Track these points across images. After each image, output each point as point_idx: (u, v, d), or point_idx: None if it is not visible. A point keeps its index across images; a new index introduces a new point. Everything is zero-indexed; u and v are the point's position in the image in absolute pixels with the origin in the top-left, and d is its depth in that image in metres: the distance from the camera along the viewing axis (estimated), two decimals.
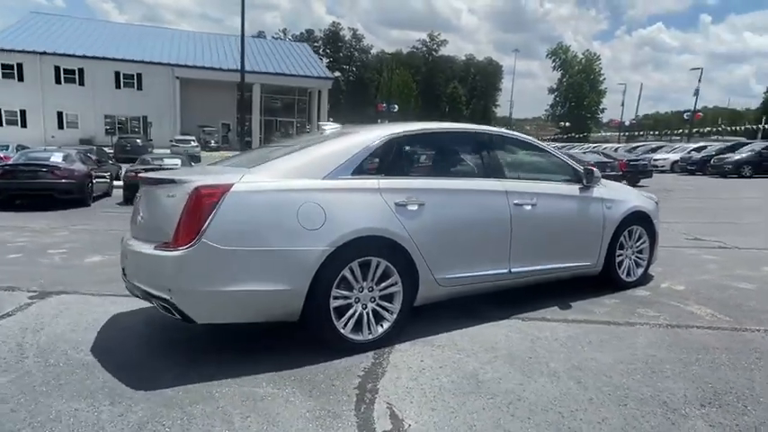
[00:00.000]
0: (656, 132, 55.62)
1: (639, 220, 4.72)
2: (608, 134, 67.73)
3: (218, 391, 2.70)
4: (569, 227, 4.23)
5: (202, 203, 2.79)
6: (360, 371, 2.96)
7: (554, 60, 69.64)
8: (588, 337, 3.51)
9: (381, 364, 3.06)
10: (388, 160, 3.47)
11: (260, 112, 38.84)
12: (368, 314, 3.23)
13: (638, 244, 4.76)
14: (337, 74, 71.67)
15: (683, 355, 3.20)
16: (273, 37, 63.28)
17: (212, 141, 37.04)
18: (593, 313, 4.01)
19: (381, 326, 3.27)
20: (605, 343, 3.40)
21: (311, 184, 3.10)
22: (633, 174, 18.09)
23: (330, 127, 3.97)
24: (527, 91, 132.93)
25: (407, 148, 3.59)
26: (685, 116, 47.88)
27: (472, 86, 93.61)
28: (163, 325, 3.79)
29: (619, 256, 4.60)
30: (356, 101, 79.10)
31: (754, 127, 52.22)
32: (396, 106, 48.14)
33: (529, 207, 3.90)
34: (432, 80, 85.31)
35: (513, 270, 3.87)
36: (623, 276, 4.66)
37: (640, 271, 4.80)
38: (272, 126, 41.52)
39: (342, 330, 3.13)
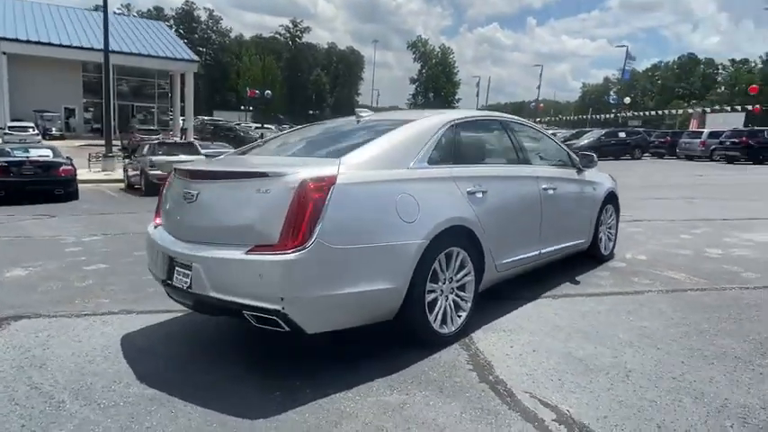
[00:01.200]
0: None
1: (612, 199, 5.26)
2: None
3: (348, 406, 2.44)
4: (575, 208, 4.57)
5: (312, 199, 2.47)
6: (465, 363, 2.89)
7: (414, 52, 72.95)
8: (620, 307, 3.84)
9: (477, 354, 3.02)
10: (452, 148, 3.40)
11: (114, 96, 34.49)
12: (449, 306, 3.16)
13: (610, 221, 5.30)
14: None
15: (705, 314, 3.67)
16: (115, 12, 56.35)
17: (53, 129, 32.13)
18: (601, 286, 4.38)
19: (459, 317, 3.22)
20: (638, 311, 3.75)
21: (403, 174, 2.94)
22: None
23: (367, 114, 3.73)
24: (387, 80, 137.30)
25: (464, 134, 3.54)
26: (531, 106, 53.84)
27: (335, 75, 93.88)
28: (199, 341, 3.31)
29: (599, 233, 5.08)
30: (216, 86, 74.47)
31: (576, 117, 60.44)
32: (269, 92, 46.30)
33: (551, 191, 4.12)
34: (296, 67, 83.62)
35: (542, 251, 4.07)
36: (603, 251, 5.16)
37: (611, 245, 5.36)
38: (128, 112, 37.21)
39: (433, 325, 3.02)
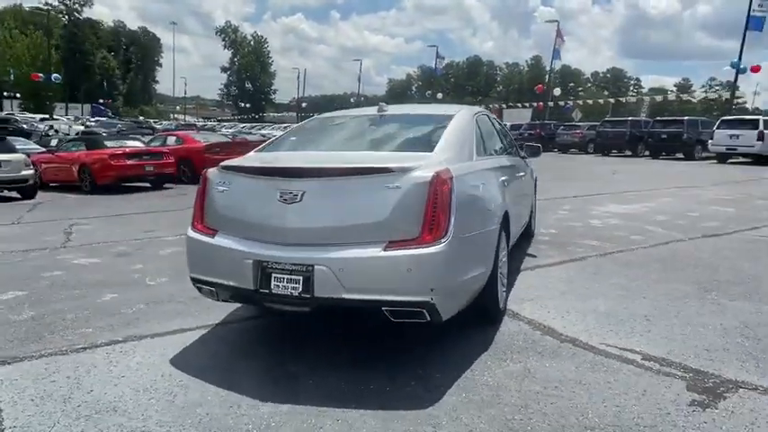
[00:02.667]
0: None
1: (535, 183, 6.20)
2: (285, 114, 72.45)
3: (491, 380, 2.67)
4: (529, 192, 5.33)
5: (447, 192, 2.59)
6: (534, 330, 3.31)
7: (224, 39, 69.25)
8: (583, 271, 4.67)
9: (532, 322, 3.46)
10: (481, 141, 3.73)
11: None
12: (501, 284, 3.53)
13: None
14: None
15: (643, 270, 4.70)
16: None
17: None
18: (553, 257, 5.21)
19: (503, 293, 3.62)
20: (598, 273, 4.62)
21: (476, 165, 3.19)
22: None
23: (389, 108, 3.82)
24: (188, 68, 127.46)
25: (482, 128, 3.86)
26: (351, 100, 56.18)
27: (127, 58, 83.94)
28: (291, 341, 3.09)
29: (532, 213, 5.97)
30: None
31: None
32: (58, 76, 39.17)
33: (522, 177, 4.77)
34: (77, 47, 72.12)
35: (519, 231, 4.70)
36: (533, 229, 6.07)
37: (535, 223, 6.32)
38: None
39: (500, 302, 3.38)
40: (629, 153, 23.00)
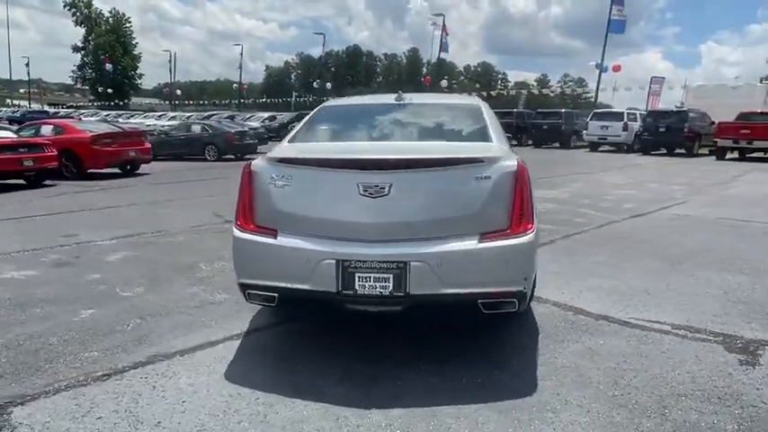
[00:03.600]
0: (203, 102, 58.74)
1: None
2: (154, 102, 66.49)
3: (569, 362, 2.79)
4: None
5: (528, 181, 2.62)
6: (568, 313, 3.51)
7: (75, 14, 61.05)
8: (561, 252, 5.03)
9: (559, 304, 3.66)
10: None
11: None
12: None
13: None
14: None
15: (619, 245, 5.20)
16: None
17: None
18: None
19: None
20: (576, 253, 5.00)
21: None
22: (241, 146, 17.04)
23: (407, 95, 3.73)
24: (23, 46, 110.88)
25: None
26: (234, 87, 53.33)
27: None
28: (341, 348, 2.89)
29: None
30: None
31: (268, 100, 62.67)
32: None
33: None
34: None
35: None
36: None
37: None
38: None
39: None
40: (515, 143, 24.93)
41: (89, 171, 11.99)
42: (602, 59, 26.20)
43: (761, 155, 16.00)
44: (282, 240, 2.62)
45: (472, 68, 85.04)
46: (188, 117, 29.46)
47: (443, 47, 33.59)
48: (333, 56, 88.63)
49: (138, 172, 12.89)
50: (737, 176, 11.94)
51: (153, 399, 2.43)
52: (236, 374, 2.67)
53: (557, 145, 23.26)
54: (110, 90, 56.05)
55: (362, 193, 2.50)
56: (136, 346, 3.00)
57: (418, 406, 2.36)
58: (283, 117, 30.99)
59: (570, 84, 76.55)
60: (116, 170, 12.50)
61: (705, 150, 18.14)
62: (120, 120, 29.78)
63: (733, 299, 3.73)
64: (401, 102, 3.57)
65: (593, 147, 20.89)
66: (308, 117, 3.48)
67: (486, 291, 2.53)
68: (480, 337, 3.13)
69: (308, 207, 2.62)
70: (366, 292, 2.50)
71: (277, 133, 28.19)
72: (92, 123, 15.88)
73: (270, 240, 2.64)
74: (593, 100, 67.57)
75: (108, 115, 34.85)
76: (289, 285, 2.61)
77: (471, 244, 2.50)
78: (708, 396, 2.43)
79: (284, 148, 2.96)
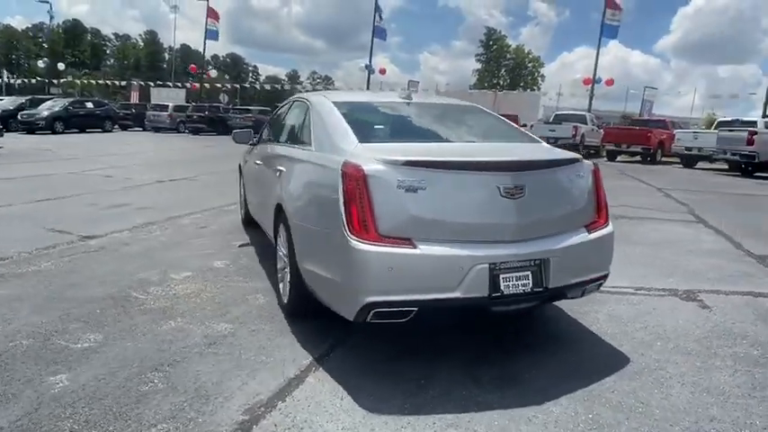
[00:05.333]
0: None
1: None
2: None
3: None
4: None
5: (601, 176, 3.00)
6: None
7: None
8: None
9: None
10: None
11: None
12: None
13: None
14: None
15: None
16: None
17: None
18: None
19: None
20: None
21: None
22: None
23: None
24: None
25: None
26: None
27: None
28: None
29: None
30: None
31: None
32: None
33: None
34: None
35: None
36: None
37: None
38: None
39: None
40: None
41: None
42: (370, 61, 28.74)
43: None
44: (425, 249, 2.41)
45: (221, 58, 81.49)
46: None
47: (210, 34, 31.35)
48: (42, 29, 73.27)
49: None
50: None
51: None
52: (362, 400, 2.35)
53: None
54: None
55: (503, 194, 2.50)
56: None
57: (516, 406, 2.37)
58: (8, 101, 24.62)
59: (318, 81, 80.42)
60: None
61: None
62: None
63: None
64: (408, 101, 3.57)
65: None
66: (329, 116, 3.16)
67: (593, 276, 2.83)
68: (518, 323, 3.39)
69: (448, 212, 2.47)
70: (511, 292, 2.52)
71: None
72: None
73: (408, 251, 2.39)
74: None
75: None
76: (434, 297, 2.42)
77: (585, 236, 2.77)
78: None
79: (384, 150, 2.65)
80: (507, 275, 2.52)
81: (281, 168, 3.49)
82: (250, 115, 25.47)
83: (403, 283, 2.40)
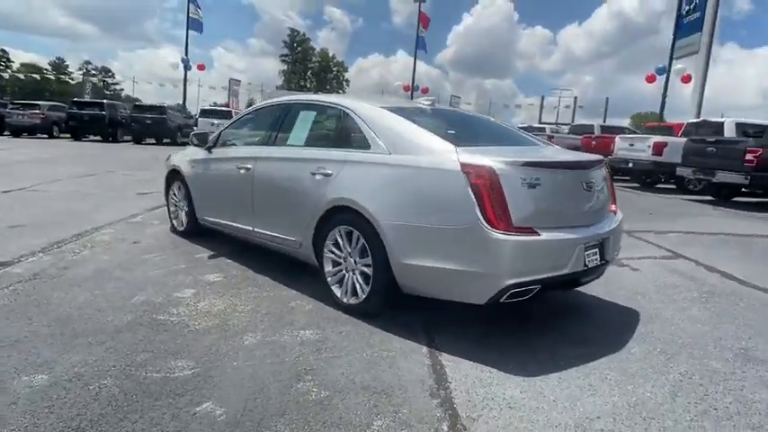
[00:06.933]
0: None
1: None
2: None
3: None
4: None
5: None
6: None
7: None
8: None
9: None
10: None
11: None
12: None
13: None
14: None
15: None
16: None
17: None
18: None
19: None
20: None
21: None
22: None
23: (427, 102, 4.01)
24: None
25: None
26: None
27: None
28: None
29: None
30: None
31: None
32: None
33: None
34: None
35: None
36: None
37: None
38: None
39: None
40: (110, 139, 21.87)
41: None
42: (187, 55, 26.58)
43: None
44: (546, 236, 2.88)
45: None
46: None
47: None
48: None
49: None
50: None
51: None
52: (508, 369, 2.74)
53: (167, 141, 22.24)
54: None
55: (584, 187, 3.15)
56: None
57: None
58: None
59: (95, 73, 70.04)
60: None
61: None
62: None
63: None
64: (432, 108, 4.01)
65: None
66: (393, 121, 3.40)
67: (617, 252, 3.63)
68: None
69: (555, 203, 3.00)
70: (591, 266, 3.14)
71: None
72: None
73: (535, 237, 2.84)
74: (121, 92, 64.80)
75: None
76: (552, 274, 2.92)
77: (618, 219, 3.56)
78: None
79: (484, 152, 2.98)
80: (589, 252, 3.14)
81: (326, 172, 3.48)
82: (38, 111, 21.07)
83: (532, 264, 2.84)
